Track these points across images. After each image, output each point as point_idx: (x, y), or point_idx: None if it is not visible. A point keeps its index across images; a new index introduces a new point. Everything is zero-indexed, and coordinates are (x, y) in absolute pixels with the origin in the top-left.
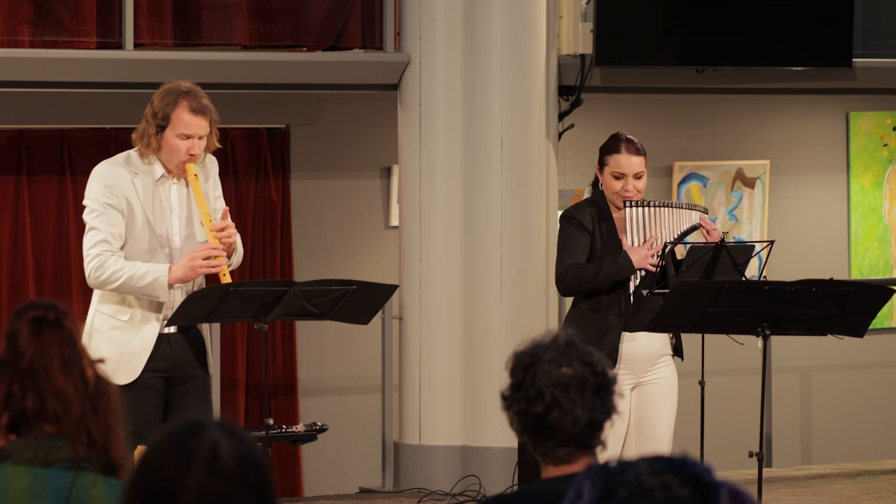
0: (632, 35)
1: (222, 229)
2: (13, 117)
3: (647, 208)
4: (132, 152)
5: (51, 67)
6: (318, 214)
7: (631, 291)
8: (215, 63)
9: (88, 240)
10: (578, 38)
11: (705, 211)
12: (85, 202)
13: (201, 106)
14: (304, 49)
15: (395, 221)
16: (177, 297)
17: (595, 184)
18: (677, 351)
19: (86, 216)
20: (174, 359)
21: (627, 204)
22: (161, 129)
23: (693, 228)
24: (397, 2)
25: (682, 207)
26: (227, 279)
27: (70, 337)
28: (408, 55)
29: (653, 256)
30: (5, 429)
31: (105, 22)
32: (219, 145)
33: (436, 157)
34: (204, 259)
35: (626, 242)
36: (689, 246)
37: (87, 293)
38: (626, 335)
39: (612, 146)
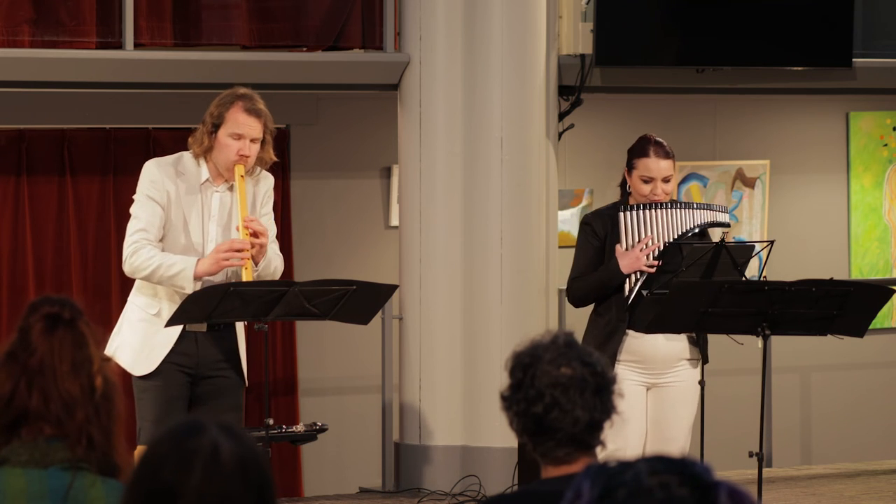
0: (632, 35)
1: (254, 233)
2: (13, 117)
3: (640, 211)
4: (185, 154)
5: (51, 67)
6: (318, 214)
7: (626, 294)
8: (215, 63)
9: (129, 227)
10: (578, 38)
11: (710, 207)
12: (134, 196)
13: (255, 108)
14: (304, 49)
15: (395, 221)
16: None
17: (623, 185)
18: (702, 355)
19: (131, 208)
20: (199, 357)
21: (622, 209)
22: (216, 128)
23: (699, 228)
24: (397, 2)
25: (682, 207)
26: (247, 274)
27: (83, 339)
28: (408, 55)
29: (647, 257)
30: (6, 427)
31: (105, 22)
32: (275, 158)
33: (436, 157)
34: (227, 251)
35: (620, 248)
36: (689, 246)
37: (87, 293)
38: (644, 336)
39: (640, 149)
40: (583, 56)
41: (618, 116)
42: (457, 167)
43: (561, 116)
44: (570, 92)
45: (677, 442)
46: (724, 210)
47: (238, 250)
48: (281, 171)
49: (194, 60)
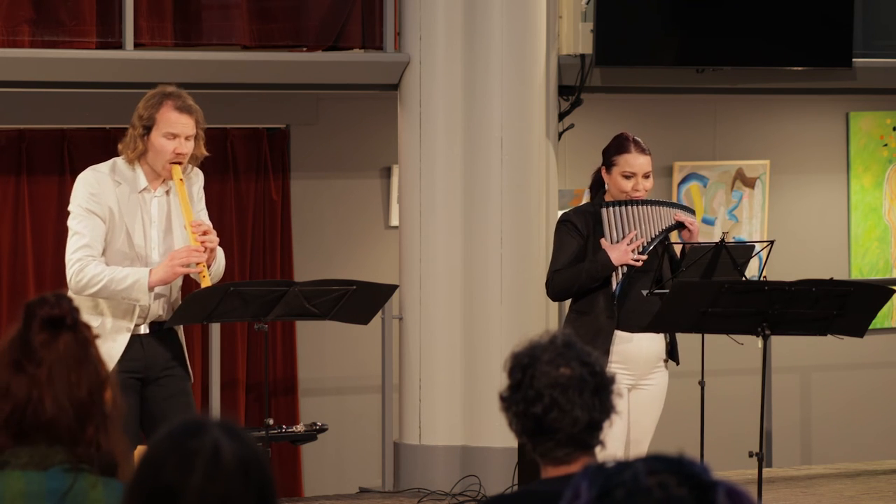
0: (632, 35)
1: (204, 232)
2: (13, 117)
3: (622, 207)
4: (118, 160)
5: (51, 67)
6: (318, 214)
7: (614, 289)
8: (215, 63)
9: (71, 245)
10: (578, 38)
11: (687, 208)
12: (70, 208)
13: (186, 105)
14: (304, 49)
15: (395, 221)
16: (153, 306)
17: (592, 187)
18: (672, 354)
19: (69, 221)
20: (147, 359)
21: (603, 205)
22: (147, 130)
23: (673, 226)
24: (397, 2)
25: (658, 205)
26: (206, 281)
27: (86, 341)
28: (408, 55)
29: (634, 251)
30: (13, 436)
31: (105, 22)
32: (206, 153)
33: (436, 157)
34: (183, 258)
35: (606, 242)
36: (688, 246)
37: None
38: (626, 336)
39: (620, 146)
40: (583, 56)
41: (618, 116)
42: (457, 167)
43: (561, 116)
44: (570, 92)
45: (644, 444)
46: (690, 210)
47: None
48: (281, 171)
49: (194, 60)
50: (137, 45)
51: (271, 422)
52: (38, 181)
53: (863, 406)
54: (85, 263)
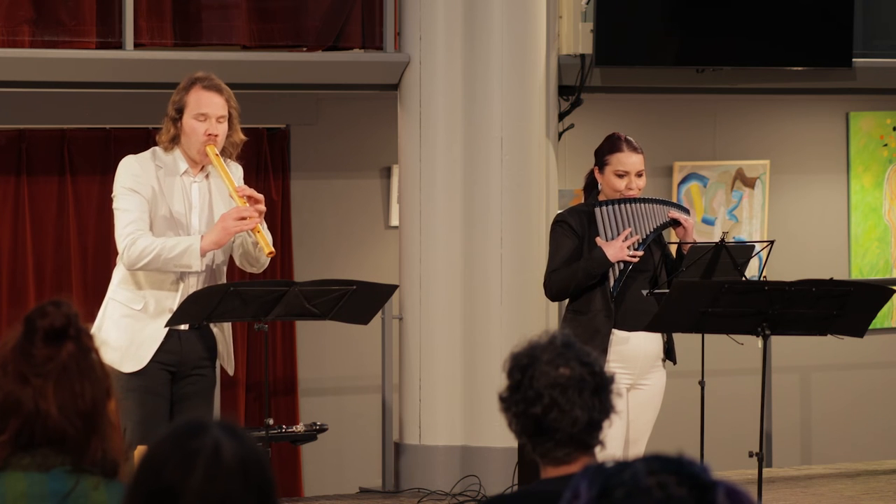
0: (632, 35)
1: (251, 198)
2: (13, 117)
3: (616, 206)
4: (157, 148)
5: (51, 67)
6: (318, 214)
7: (611, 287)
8: (215, 63)
9: (120, 222)
10: (578, 38)
11: (680, 206)
12: (113, 194)
13: (214, 84)
14: (304, 49)
15: (395, 221)
16: (199, 284)
17: (587, 188)
18: (669, 354)
19: (114, 204)
20: (182, 354)
21: (596, 205)
22: (179, 113)
23: (667, 223)
24: (397, 2)
25: (651, 202)
26: (261, 235)
27: (88, 351)
28: (408, 55)
29: (630, 248)
30: (19, 446)
31: (105, 22)
32: (244, 137)
33: (436, 157)
34: (236, 219)
35: (601, 240)
36: (685, 245)
37: (87, 293)
38: (623, 335)
39: (612, 146)
40: (583, 56)
41: (618, 116)
42: (457, 167)
43: (561, 116)
44: (570, 92)
45: (641, 443)
46: (684, 209)
47: (243, 218)
48: (281, 171)
49: (194, 60)
50: (137, 45)
51: (271, 422)
52: (37, 181)
53: (863, 406)
54: (136, 237)
